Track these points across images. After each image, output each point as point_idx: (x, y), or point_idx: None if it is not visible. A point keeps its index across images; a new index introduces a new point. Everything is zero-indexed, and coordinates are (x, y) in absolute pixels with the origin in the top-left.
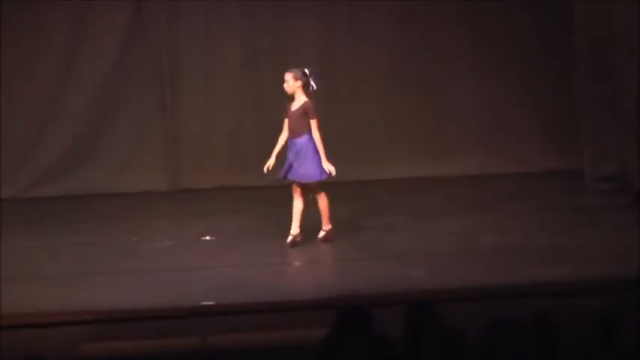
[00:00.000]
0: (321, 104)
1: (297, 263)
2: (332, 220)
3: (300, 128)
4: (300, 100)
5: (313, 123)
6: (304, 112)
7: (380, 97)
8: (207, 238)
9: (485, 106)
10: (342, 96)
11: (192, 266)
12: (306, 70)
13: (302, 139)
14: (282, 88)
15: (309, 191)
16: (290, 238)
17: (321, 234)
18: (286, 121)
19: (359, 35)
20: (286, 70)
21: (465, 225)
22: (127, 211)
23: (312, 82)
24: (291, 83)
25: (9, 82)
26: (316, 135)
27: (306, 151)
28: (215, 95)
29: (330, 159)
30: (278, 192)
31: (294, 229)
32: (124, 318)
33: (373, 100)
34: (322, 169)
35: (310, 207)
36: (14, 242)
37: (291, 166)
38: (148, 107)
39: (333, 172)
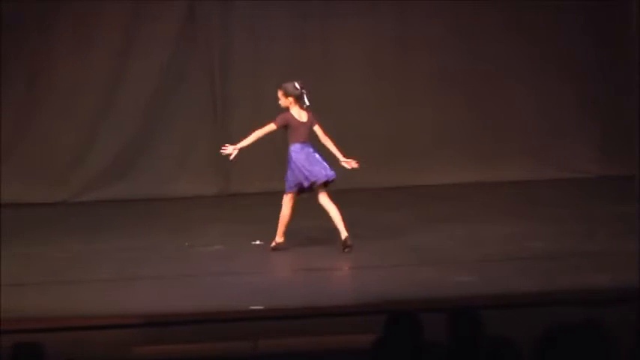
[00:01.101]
0: (369, 109)
1: (344, 268)
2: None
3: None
4: (298, 111)
5: (268, 126)
6: (312, 122)
7: (429, 102)
8: (257, 242)
9: (536, 111)
10: (390, 101)
11: (242, 271)
12: (297, 84)
13: (290, 147)
14: (331, 93)
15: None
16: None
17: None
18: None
19: (408, 40)
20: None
21: (513, 231)
22: (177, 215)
23: (304, 97)
24: (283, 100)
25: (61, 88)
26: (324, 137)
27: (290, 158)
28: (265, 100)
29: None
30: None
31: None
32: (175, 321)
33: (422, 105)
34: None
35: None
36: (66, 246)
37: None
38: (199, 112)
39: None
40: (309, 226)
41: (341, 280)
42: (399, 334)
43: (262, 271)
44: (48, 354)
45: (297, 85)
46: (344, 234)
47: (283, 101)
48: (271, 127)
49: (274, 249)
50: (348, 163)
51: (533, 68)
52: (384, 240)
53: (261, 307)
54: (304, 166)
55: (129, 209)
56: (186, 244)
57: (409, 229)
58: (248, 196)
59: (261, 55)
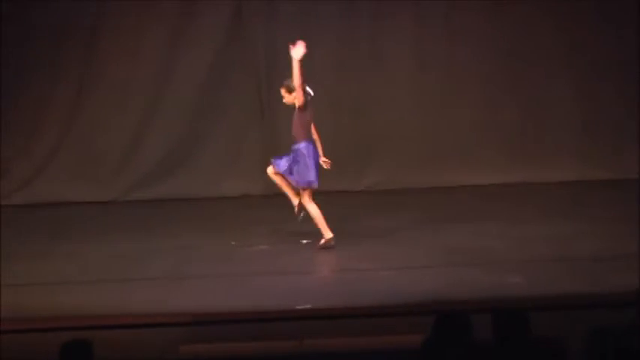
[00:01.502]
0: (414, 108)
1: (391, 269)
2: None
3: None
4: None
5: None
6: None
7: (475, 101)
8: (304, 242)
9: (581, 111)
10: (437, 100)
11: (289, 270)
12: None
13: (299, 144)
14: (380, 92)
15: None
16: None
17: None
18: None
19: (455, 38)
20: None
21: (559, 232)
22: (224, 214)
23: (308, 90)
24: (287, 97)
25: (109, 87)
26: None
27: (302, 155)
28: (313, 98)
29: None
30: (373, 197)
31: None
32: (222, 320)
33: (468, 104)
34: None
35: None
36: (114, 244)
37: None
38: (246, 111)
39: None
40: (353, 228)
41: (388, 280)
42: (448, 334)
43: (308, 270)
44: (96, 352)
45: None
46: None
47: (287, 98)
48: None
49: (323, 247)
50: (325, 163)
51: (578, 68)
52: (429, 240)
53: (307, 307)
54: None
55: (176, 208)
56: (233, 243)
57: (454, 229)
58: None
59: (307, 55)
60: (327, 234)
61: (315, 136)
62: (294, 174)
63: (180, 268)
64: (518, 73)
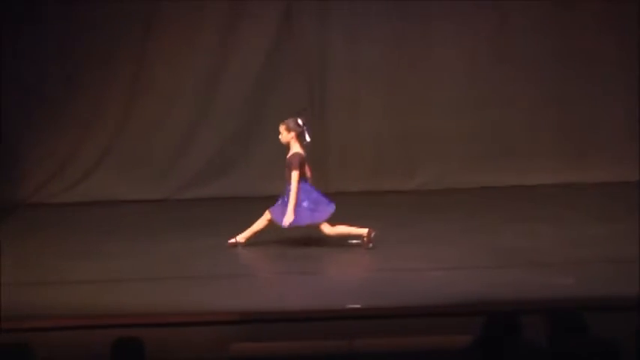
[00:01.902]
0: (464, 108)
1: (441, 269)
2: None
3: (288, 177)
4: (293, 150)
5: (293, 175)
6: (289, 165)
7: (523, 102)
8: (354, 241)
9: (628, 112)
10: (487, 102)
11: (338, 269)
12: (300, 121)
13: (288, 188)
14: (430, 91)
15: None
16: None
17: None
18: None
19: (504, 39)
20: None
21: (609, 232)
22: None
23: (306, 134)
24: (285, 134)
25: (161, 87)
26: (293, 187)
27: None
28: (362, 98)
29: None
30: (422, 197)
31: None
32: (272, 319)
33: (518, 105)
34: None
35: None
36: (165, 243)
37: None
38: (296, 110)
39: (285, 224)
40: (402, 228)
41: (437, 280)
42: (497, 335)
43: (357, 270)
44: (147, 349)
45: (299, 121)
46: (364, 231)
47: (285, 136)
48: (296, 175)
49: (371, 241)
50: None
51: (624, 68)
52: (477, 240)
53: (357, 306)
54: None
55: (227, 207)
56: (283, 242)
57: (503, 229)
58: (346, 195)
59: (358, 55)
60: (362, 231)
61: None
62: (313, 209)
63: (230, 267)
64: (568, 72)
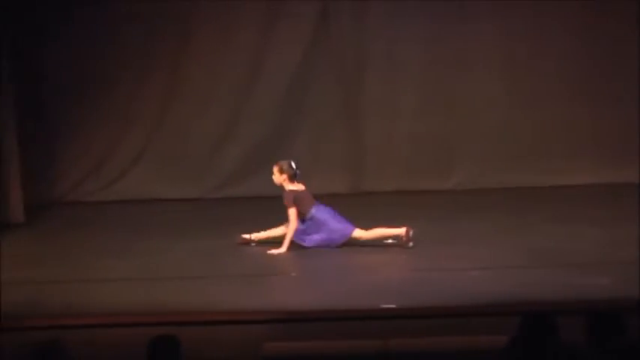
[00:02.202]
0: (502, 107)
1: (478, 268)
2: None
3: (303, 211)
4: (294, 185)
5: (290, 212)
6: (285, 202)
7: (562, 101)
8: (389, 241)
9: None
10: (524, 101)
11: (372, 269)
12: (292, 163)
13: (310, 214)
14: (468, 91)
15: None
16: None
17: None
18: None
19: (542, 38)
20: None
21: None
22: None
23: (297, 175)
24: (277, 176)
25: (197, 85)
26: (291, 224)
27: (317, 218)
28: (398, 98)
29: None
30: (459, 196)
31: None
32: (306, 318)
33: (555, 105)
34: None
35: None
36: (198, 241)
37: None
38: (332, 110)
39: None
40: (440, 227)
41: (474, 280)
42: (534, 335)
43: (393, 269)
44: (183, 347)
45: (292, 164)
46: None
47: (277, 177)
48: (293, 211)
49: (410, 240)
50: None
51: None
52: (517, 240)
53: (392, 306)
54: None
55: (262, 206)
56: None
57: (541, 230)
58: (381, 194)
59: (394, 55)
60: (399, 231)
61: None
62: (326, 239)
63: (265, 265)
64: (608, 71)
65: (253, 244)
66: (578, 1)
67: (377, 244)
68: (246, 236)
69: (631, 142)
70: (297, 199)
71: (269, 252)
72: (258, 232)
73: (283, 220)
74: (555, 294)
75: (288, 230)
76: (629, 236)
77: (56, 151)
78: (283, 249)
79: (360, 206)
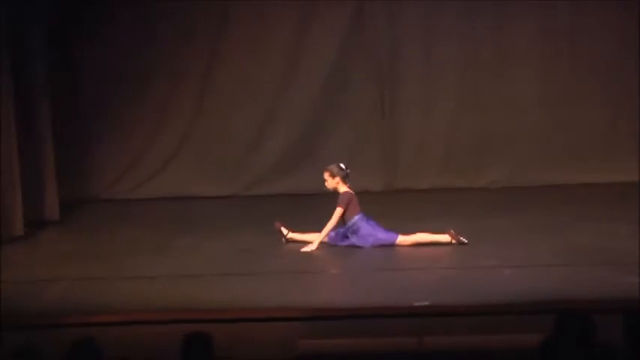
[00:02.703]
0: (536, 107)
1: (509, 267)
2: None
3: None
4: (347, 188)
5: (337, 210)
6: (338, 199)
7: (597, 100)
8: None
9: None
10: (558, 99)
11: (409, 266)
12: (342, 165)
13: (353, 220)
14: (501, 90)
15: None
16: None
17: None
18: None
19: (580, 36)
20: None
21: None
22: None
23: (349, 175)
24: (330, 181)
25: (232, 85)
26: (331, 221)
27: (359, 227)
28: (432, 99)
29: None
30: (493, 194)
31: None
32: (341, 316)
33: (590, 103)
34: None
35: None
36: (236, 238)
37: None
38: (366, 109)
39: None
40: (474, 225)
41: (509, 278)
42: (570, 334)
43: (426, 267)
44: (216, 344)
45: (342, 166)
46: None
47: (330, 182)
48: (339, 211)
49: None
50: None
51: None
52: (552, 238)
53: (426, 304)
54: (371, 233)
55: (297, 203)
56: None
57: (578, 228)
58: (413, 192)
59: (428, 54)
60: (444, 238)
61: None
62: (364, 242)
63: (300, 263)
64: None
65: (283, 240)
66: (615, 1)
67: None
68: (284, 230)
69: None
70: (350, 202)
71: (302, 250)
72: (294, 232)
73: (315, 215)
74: (591, 292)
75: (325, 226)
76: None
77: (91, 150)
78: (314, 246)
79: (394, 204)
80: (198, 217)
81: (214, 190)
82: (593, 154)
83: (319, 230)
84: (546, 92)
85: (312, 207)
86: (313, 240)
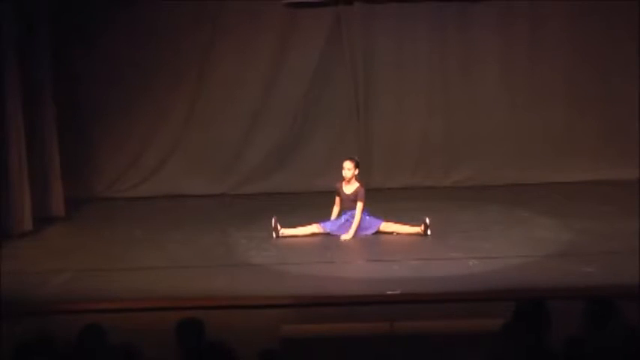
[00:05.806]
0: (502, 108)
1: (475, 258)
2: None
3: (352, 206)
4: (354, 185)
5: (360, 205)
6: (356, 195)
7: (559, 103)
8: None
9: None
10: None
11: (381, 258)
12: (358, 160)
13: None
14: (469, 92)
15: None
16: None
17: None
18: (337, 199)
19: (541, 41)
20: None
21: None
22: (324, 207)
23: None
24: (352, 171)
25: (221, 93)
26: (358, 215)
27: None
28: (405, 100)
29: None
30: (459, 192)
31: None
32: (320, 303)
33: (553, 105)
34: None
35: None
36: (224, 233)
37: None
38: (344, 111)
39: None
40: (443, 220)
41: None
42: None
43: (398, 259)
44: (207, 329)
45: (358, 160)
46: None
47: (351, 172)
48: (361, 206)
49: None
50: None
51: None
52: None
53: (398, 292)
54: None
55: (281, 201)
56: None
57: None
58: (389, 190)
59: (400, 60)
60: (418, 228)
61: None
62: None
63: (284, 256)
64: (603, 76)
65: (274, 234)
66: (577, 4)
67: (384, 235)
68: (279, 227)
69: (628, 141)
70: (364, 195)
71: (342, 238)
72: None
73: (304, 212)
74: (546, 281)
75: (354, 221)
76: (618, 230)
77: (93, 152)
78: (349, 235)
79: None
80: (190, 213)
81: (205, 189)
82: (554, 154)
83: (305, 224)
84: (511, 95)
85: (294, 205)
86: (304, 233)
